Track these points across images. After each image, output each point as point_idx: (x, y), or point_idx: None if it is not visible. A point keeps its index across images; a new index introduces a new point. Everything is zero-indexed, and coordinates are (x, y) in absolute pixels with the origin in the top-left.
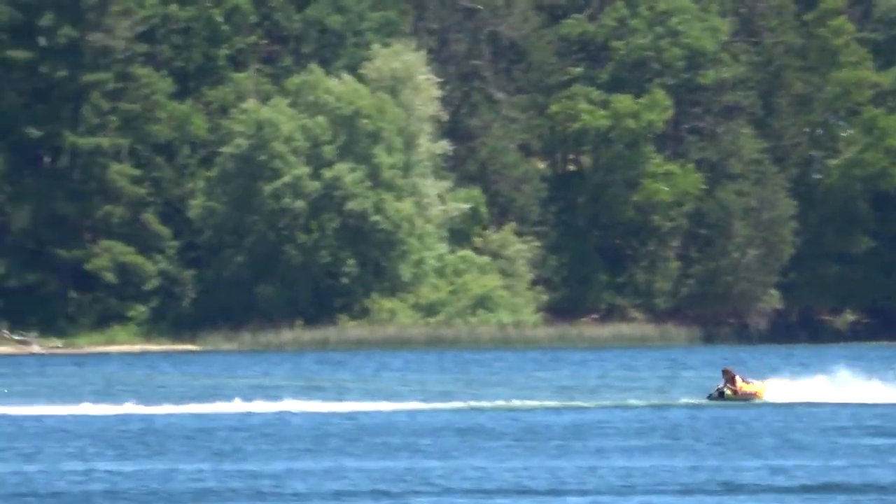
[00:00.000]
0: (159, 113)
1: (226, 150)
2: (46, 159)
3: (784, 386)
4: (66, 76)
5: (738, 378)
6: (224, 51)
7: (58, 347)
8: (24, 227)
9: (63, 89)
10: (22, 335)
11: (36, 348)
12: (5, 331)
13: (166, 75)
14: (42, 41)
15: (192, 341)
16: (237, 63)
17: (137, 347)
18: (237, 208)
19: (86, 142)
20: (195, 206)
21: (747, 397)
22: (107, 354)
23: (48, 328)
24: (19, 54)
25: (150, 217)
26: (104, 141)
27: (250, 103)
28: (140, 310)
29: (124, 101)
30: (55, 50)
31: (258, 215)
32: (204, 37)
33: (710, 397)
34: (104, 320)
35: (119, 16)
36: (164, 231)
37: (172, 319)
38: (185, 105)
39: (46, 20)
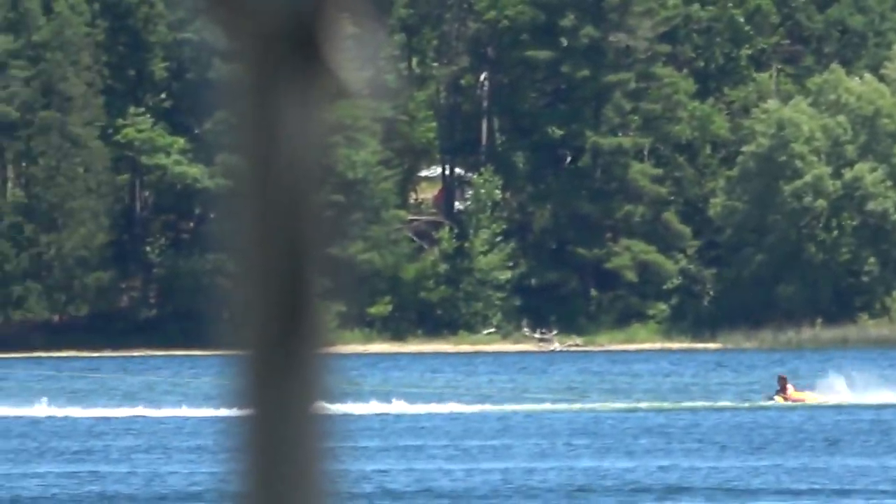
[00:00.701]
0: (680, 113)
1: (747, 149)
2: (568, 159)
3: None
4: (588, 76)
5: (790, 386)
6: (745, 51)
7: (577, 345)
8: (546, 226)
9: (585, 89)
10: (542, 333)
11: (556, 346)
12: (526, 329)
13: (687, 75)
14: (564, 41)
15: (712, 340)
16: (759, 63)
17: (657, 346)
18: (757, 207)
19: (607, 141)
20: (716, 205)
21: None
22: (630, 352)
23: (568, 326)
24: (542, 54)
25: (670, 216)
26: (626, 140)
27: (771, 103)
28: (660, 308)
29: (646, 101)
30: (577, 50)
31: (779, 214)
32: (726, 37)
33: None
34: (624, 319)
35: (641, 16)
36: (685, 230)
37: (692, 318)
38: (706, 105)
39: (568, 20)
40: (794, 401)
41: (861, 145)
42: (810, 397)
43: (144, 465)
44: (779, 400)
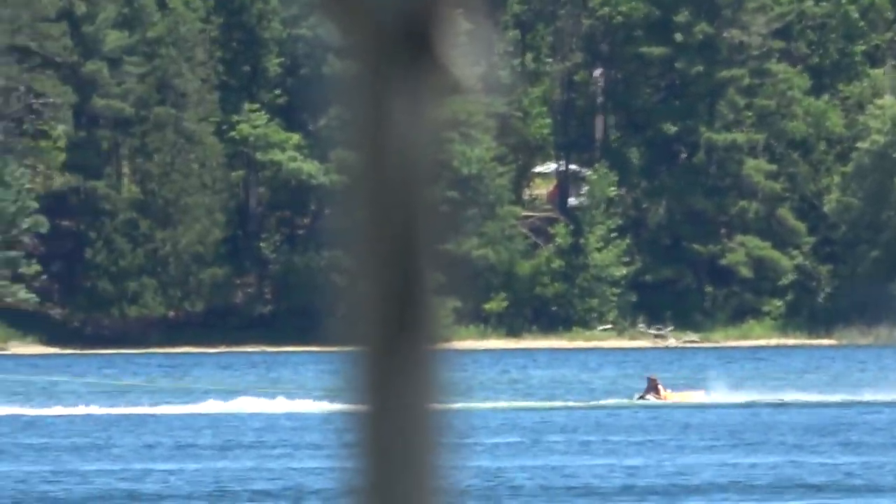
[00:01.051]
0: (795, 109)
1: (862, 145)
2: (682, 155)
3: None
4: (702, 72)
5: (661, 387)
6: (860, 47)
7: (693, 341)
8: (661, 222)
9: (699, 85)
10: (658, 329)
11: (672, 342)
12: (642, 325)
13: (802, 71)
14: (678, 37)
15: (828, 336)
16: (873, 59)
17: (773, 342)
18: (872, 204)
19: (721, 137)
20: (830, 202)
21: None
22: (746, 348)
23: (683, 322)
24: (656, 50)
25: (785, 212)
26: (739, 136)
27: (886, 99)
28: (776, 304)
29: (760, 97)
30: (691, 46)
31: (893, 211)
32: (840, 33)
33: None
34: (739, 315)
35: (755, 12)
36: (800, 226)
37: (807, 314)
38: (820, 101)
39: (683, 17)
40: (666, 399)
41: None
42: (682, 396)
43: (263, 462)
44: (652, 398)
